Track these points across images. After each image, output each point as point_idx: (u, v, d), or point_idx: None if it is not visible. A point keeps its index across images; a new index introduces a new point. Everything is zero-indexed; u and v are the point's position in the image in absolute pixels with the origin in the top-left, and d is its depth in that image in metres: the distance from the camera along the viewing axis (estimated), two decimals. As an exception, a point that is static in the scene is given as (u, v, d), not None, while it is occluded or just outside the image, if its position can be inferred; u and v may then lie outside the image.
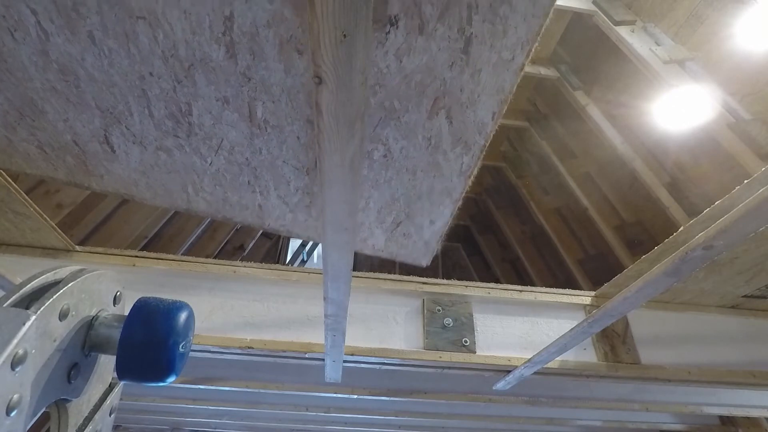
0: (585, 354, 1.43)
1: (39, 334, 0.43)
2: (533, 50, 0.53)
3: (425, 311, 1.42)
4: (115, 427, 2.49)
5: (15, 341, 0.40)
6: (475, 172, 0.71)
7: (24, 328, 0.41)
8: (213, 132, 0.71)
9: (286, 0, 0.49)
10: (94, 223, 2.46)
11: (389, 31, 0.50)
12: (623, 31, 2.49)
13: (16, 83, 0.69)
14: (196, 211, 0.89)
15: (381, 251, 0.91)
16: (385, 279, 1.46)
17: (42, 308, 0.44)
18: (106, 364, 0.59)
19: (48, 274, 0.49)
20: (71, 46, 0.61)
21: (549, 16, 0.49)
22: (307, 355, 1.32)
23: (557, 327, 1.48)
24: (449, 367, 1.42)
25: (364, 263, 4.63)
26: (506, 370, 1.37)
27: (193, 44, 0.57)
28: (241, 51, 0.57)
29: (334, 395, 1.63)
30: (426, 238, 0.86)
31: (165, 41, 0.57)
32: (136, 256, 1.39)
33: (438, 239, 0.86)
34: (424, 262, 0.93)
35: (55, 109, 0.73)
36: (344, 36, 0.37)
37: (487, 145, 0.66)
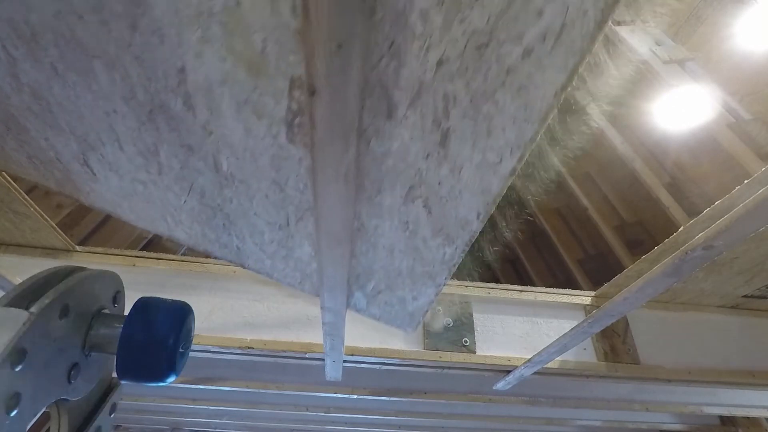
0: (585, 354, 1.43)
1: (39, 334, 0.43)
2: (527, 155, 0.46)
3: (423, 318, 1.42)
4: (115, 427, 2.49)
5: (15, 341, 0.40)
6: (459, 261, 0.64)
7: (24, 328, 0.41)
8: (182, 175, 0.68)
9: (239, 63, 0.46)
10: (94, 223, 2.47)
11: None
12: (623, 31, 2.49)
13: None
14: (178, 240, 0.86)
15: (363, 312, 0.87)
16: (385, 279, 1.46)
17: (42, 308, 0.44)
18: (106, 364, 0.59)
19: (48, 274, 0.49)
20: (37, 73, 0.60)
21: (546, 123, 0.43)
22: (307, 356, 1.32)
23: (557, 327, 1.48)
24: (449, 367, 1.42)
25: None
26: (506, 370, 1.37)
27: (151, 90, 0.54)
28: (197, 105, 0.53)
29: (334, 395, 1.63)
30: (410, 310, 0.82)
31: (123, 83, 0.55)
32: (136, 256, 1.39)
33: (423, 312, 0.81)
34: (410, 329, 0.89)
35: (35, 128, 0.71)
36: (339, 46, 0.35)
37: (474, 239, 0.60)
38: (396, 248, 0.66)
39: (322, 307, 0.82)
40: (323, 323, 0.89)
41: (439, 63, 0.41)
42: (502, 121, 0.44)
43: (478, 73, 0.41)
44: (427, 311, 0.81)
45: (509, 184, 0.50)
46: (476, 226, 0.57)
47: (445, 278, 0.69)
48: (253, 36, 0.43)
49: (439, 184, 0.53)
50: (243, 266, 0.86)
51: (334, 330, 0.92)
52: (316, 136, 0.43)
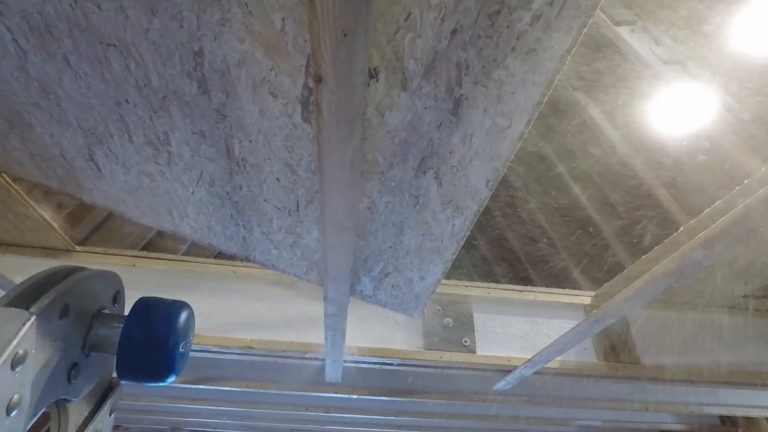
0: (585, 354, 1.43)
1: (39, 334, 0.43)
2: (534, 119, 0.47)
3: (425, 311, 1.42)
4: (115, 427, 2.48)
5: (15, 341, 0.40)
6: (468, 234, 0.65)
7: (24, 328, 0.41)
8: (192, 163, 0.69)
9: (257, 42, 0.47)
10: (94, 223, 2.46)
11: (369, 84, 0.47)
12: (623, 31, 2.49)
13: (2, 95, 0.68)
14: (182, 235, 0.86)
15: (369, 298, 0.87)
16: (385, 279, 1.46)
17: (42, 308, 0.44)
18: (106, 364, 0.59)
19: (48, 274, 0.49)
20: (48, 66, 0.60)
21: (554, 84, 0.44)
22: (307, 355, 1.32)
23: (557, 327, 1.48)
24: (449, 367, 1.42)
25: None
26: (506, 370, 1.37)
27: (165, 76, 0.55)
28: (213, 88, 0.54)
29: (334, 395, 1.62)
30: (416, 292, 0.83)
31: (137, 70, 0.56)
32: (136, 256, 1.39)
33: (429, 294, 0.82)
34: (415, 314, 0.89)
35: (41, 124, 0.72)
36: (344, 34, 0.36)
37: (482, 209, 0.60)
38: (406, 225, 0.67)
39: (325, 299, 0.82)
40: (326, 316, 0.89)
41: (454, 32, 0.42)
42: (512, 85, 0.45)
43: (490, 40, 0.42)
44: (433, 292, 0.81)
45: (517, 148, 0.51)
46: (485, 194, 0.58)
47: (453, 253, 0.70)
48: (273, 15, 0.44)
49: (451, 153, 0.54)
50: (248, 258, 0.87)
51: (336, 324, 0.92)
52: (322, 123, 0.44)
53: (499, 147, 0.52)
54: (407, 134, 0.53)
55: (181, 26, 0.49)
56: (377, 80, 0.46)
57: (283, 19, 0.44)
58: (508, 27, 0.41)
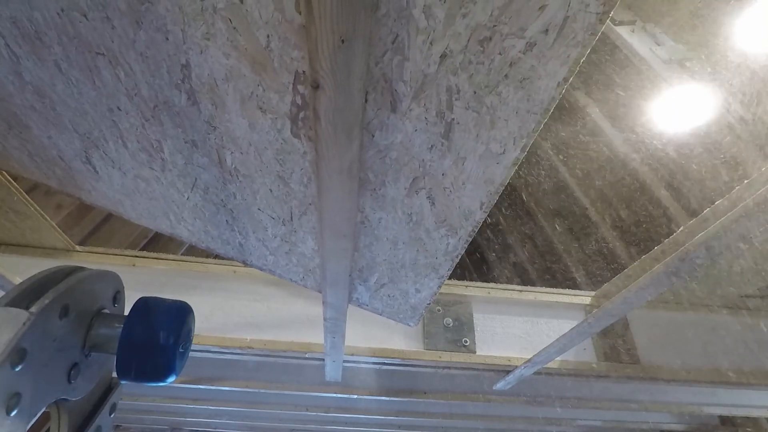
0: (585, 354, 1.43)
1: (39, 334, 0.43)
2: (530, 145, 0.46)
3: (425, 311, 1.42)
4: (115, 427, 2.48)
5: (15, 341, 0.40)
6: (463, 252, 0.64)
7: (24, 328, 0.41)
8: (186, 171, 0.68)
9: (243, 58, 0.47)
10: (94, 223, 2.46)
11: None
12: (623, 31, 2.49)
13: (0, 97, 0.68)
14: (180, 237, 0.86)
15: (366, 306, 0.87)
16: (385, 279, 1.46)
17: (42, 308, 0.43)
18: (106, 364, 0.59)
19: (48, 274, 0.49)
20: (41, 71, 0.60)
21: (549, 113, 0.43)
22: (307, 355, 1.32)
23: (557, 327, 1.48)
24: (449, 367, 1.42)
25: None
26: (506, 370, 1.37)
27: (155, 86, 0.55)
28: (202, 100, 0.54)
29: (334, 395, 1.62)
30: (412, 303, 0.82)
31: (127, 80, 0.56)
32: (136, 256, 1.39)
33: (426, 305, 0.82)
34: (412, 323, 0.89)
35: (38, 126, 0.72)
36: (342, 41, 0.35)
37: (477, 230, 0.59)
38: (399, 240, 0.66)
39: (324, 303, 0.82)
40: (325, 319, 0.89)
41: (443, 56, 0.41)
42: (505, 112, 0.44)
43: (482, 66, 0.41)
44: (429, 304, 0.81)
45: (512, 173, 0.50)
46: (479, 216, 0.57)
47: (448, 269, 0.69)
48: (258, 32, 0.43)
49: (443, 175, 0.53)
50: (245, 263, 0.86)
51: (335, 327, 0.92)
52: (320, 130, 0.44)
53: (492, 172, 0.51)
54: (398, 154, 0.52)
55: (167, 39, 0.48)
56: (366, 101, 0.45)
57: (268, 36, 0.43)
58: (500, 54, 0.39)
